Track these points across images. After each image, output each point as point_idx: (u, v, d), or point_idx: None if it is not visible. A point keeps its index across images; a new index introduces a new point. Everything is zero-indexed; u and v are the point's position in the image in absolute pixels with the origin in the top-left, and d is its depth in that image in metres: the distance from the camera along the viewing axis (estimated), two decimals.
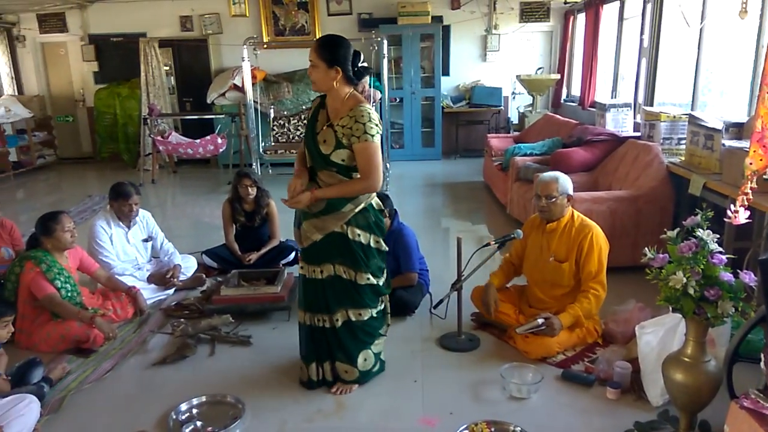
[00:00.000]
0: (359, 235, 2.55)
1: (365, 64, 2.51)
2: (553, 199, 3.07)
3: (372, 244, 2.60)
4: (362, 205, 2.54)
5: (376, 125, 2.44)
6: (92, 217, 3.87)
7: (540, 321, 2.92)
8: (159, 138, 7.74)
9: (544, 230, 3.17)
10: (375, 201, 2.63)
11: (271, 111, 8.00)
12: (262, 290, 3.54)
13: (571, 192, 3.13)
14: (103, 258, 3.82)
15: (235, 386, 2.82)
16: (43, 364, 2.86)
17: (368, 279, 2.61)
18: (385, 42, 6.94)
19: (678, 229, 2.20)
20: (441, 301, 3.17)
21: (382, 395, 2.72)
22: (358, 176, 2.49)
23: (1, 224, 3.94)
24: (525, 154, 5.58)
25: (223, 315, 3.35)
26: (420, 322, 3.46)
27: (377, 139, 2.43)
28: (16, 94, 9.16)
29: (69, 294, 3.22)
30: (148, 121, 7.99)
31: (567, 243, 3.08)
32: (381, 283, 2.68)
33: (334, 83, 2.44)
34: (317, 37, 8.59)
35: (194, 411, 2.60)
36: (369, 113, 2.43)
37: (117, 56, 9.06)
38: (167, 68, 8.93)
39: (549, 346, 2.93)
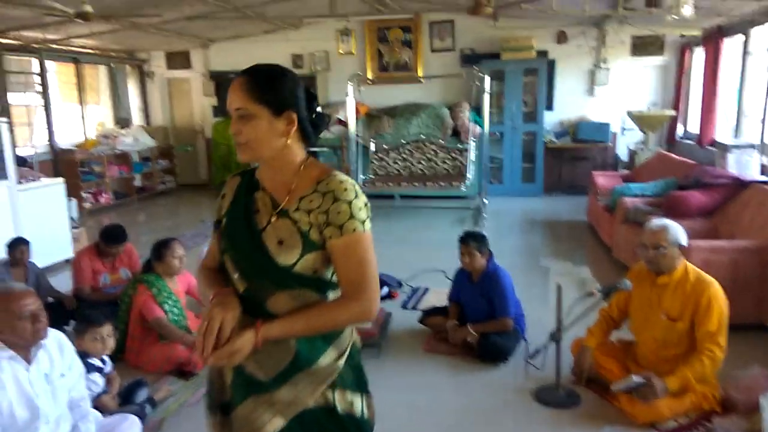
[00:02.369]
0: (352, 403, 1.50)
1: (321, 109, 1.52)
2: (663, 250, 2.83)
3: (365, 412, 1.53)
4: (348, 348, 1.49)
5: (366, 204, 1.43)
6: (205, 243, 4.10)
7: (637, 379, 2.67)
8: None
9: (653, 283, 2.93)
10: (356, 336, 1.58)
11: (372, 144, 8.17)
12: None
13: (684, 242, 2.87)
14: None
15: None
16: (149, 384, 3.02)
17: None
18: (487, 77, 6.89)
19: None
20: (538, 351, 3.01)
21: None
22: (341, 295, 1.43)
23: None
24: (635, 195, 5.26)
25: None
26: (514, 370, 3.31)
27: (369, 227, 1.43)
28: (145, 125, 10.03)
29: (176, 318, 3.40)
30: None
31: (681, 300, 2.82)
32: None
33: (285, 141, 1.42)
34: (419, 73, 8.84)
35: None
36: (352, 185, 1.43)
37: None
38: None
39: (659, 410, 2.68)
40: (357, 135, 7.64)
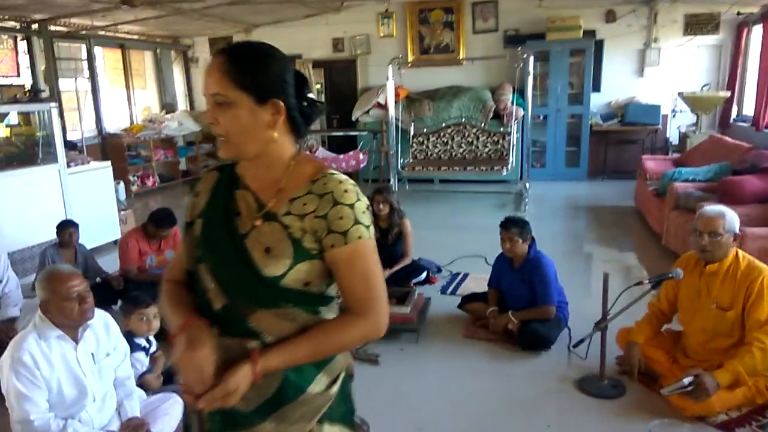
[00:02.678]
0: None
1: (313, 95, 1.29)
2: (718, 238, 2.70)
3: None
4: (342, 375, 1.32)
5: (368, 208, 1.24)
6: None
7: (687, 380, 2.56)
8: (307, 153, 8.13)
9: (702, 272, 2.80)
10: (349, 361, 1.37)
11: (411, 128, 8.09)
12: (392, 310, 3.52)
13: (737, 230, 2.74)
14: None
15: (360, 404, 2.81)
16: None
17: None
18: (531, 58, 6.70)
19: None
20: (582, 341, 2.93)
21: None
22: (346, 311, 1.23)
23: None
24: (687, 180, 5.04)
25: None
26: (557, 358, 3.23)
27: (372, 234, 1.23)
28: (189, 110, 10.20)
29: None
30: None
31: (732, 288, 2.69)
32: None
33: (272, 134, 1.20)
34: (461, 55, 8.68)
35: None
36: (352, 185, 1.23)
37: None
38: (318, 86, 9.42)
39: (709, 403, 2.56)
40: (397, 119, 7.57)
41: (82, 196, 5.36)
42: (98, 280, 4.27)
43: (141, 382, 2.73)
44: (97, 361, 2.24)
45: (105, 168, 5.83)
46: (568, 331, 3.46)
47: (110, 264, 4.62)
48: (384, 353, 3.32)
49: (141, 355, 2.78)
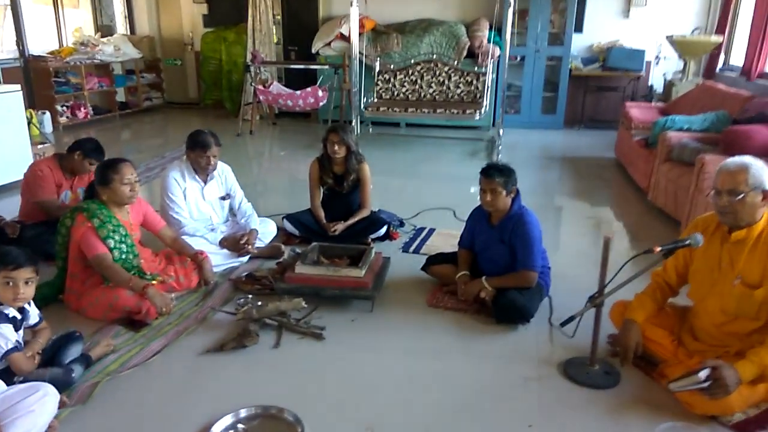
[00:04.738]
0: None
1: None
2: (741, 196, 2.15)
3: None
4: None
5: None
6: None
7: (703, 375, 2.05)
8: (260, 87, 7.33)
9: (725, 239, 2.27)
10: None
11: (377, 64, 7.31)
12: (343, 272, 2.93)
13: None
14: (174, 214, 3.38)
15: (297, 392, 2.25)
16: (83, 338, 2.43)
17: None
18: None
19: None
20: (573, 318, 2.39)
21: None
22: None
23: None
24: (680, 129, 4.51)
25: (295, 298, 2.78)
26: (536, 335, 2.70)
27: None
28: (129, 33, 9.11)
29: (124, 256, 2.77)
30: (251, 68, 7.59)
31: (763, 261, 2.17)
32: None
33: None
34: None
35: (240, 427, 2.04)
36: None
37: None
38: (275, 14, 8.47)
39: (727, 401, 2.07)
40: (361, 53, 6.80)
41: None
42: None
43: (7, 362, 2.08)
44: None
45: (14, 92, 4.93)
46: (549, 301, 2.94)
47: (13, 208, 3.86)
48: (331, 324, 2.73)
49: (7, 329, 2.10)
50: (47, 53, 7.56)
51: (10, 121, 4.85)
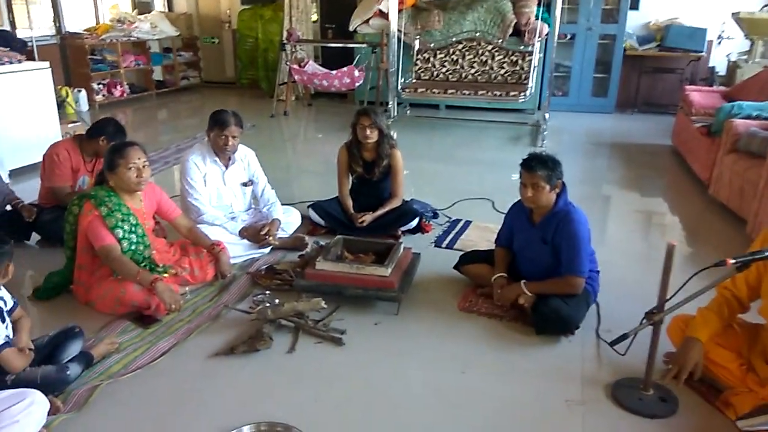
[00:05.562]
0: None
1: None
2: None
3: None
4: None
5: None
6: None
7: None
8: (295, 66, 7.10)
9: None
10: None
11: (416, 42, 6.96)
12: (367, 270, 2.68)
13: None
14: (193, 201, 3.19)
15: (309, 404, 2.04)
16: (84, 335, 2.26)
17: None
18: None
19: None
20: (625, 336, 2.08)
21: None
22: None
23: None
24: (749, 117, 4.06)
25: (314, 298, 2.56)
26: (582, 350, 2.40)
27: None
28: (166, 10, 9.00)
29: (134, 247, 2.59)
30: (286, 47, 7.37)
31: None
32: None
33: None
34: None
35: None
36: None
37: None
38: None
39: None
40: (399, 30, 6.47)
41: (8, 103, 4.42)
42: (8, 208, 3.42)
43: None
44: None
45: (42, 69, 4.83)
46: (596, 308, 2.63)
47: (36, 190, 3.75)
48: (352, 329, 2.50)
49: None
50: (83, 30, 7.50)
51: (39, 99, 4.76)
